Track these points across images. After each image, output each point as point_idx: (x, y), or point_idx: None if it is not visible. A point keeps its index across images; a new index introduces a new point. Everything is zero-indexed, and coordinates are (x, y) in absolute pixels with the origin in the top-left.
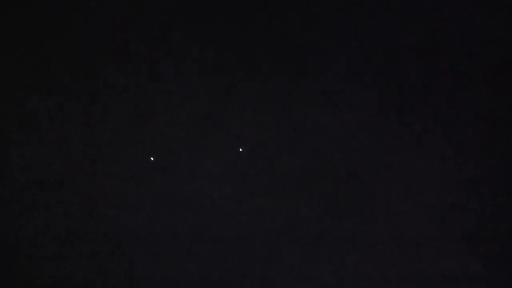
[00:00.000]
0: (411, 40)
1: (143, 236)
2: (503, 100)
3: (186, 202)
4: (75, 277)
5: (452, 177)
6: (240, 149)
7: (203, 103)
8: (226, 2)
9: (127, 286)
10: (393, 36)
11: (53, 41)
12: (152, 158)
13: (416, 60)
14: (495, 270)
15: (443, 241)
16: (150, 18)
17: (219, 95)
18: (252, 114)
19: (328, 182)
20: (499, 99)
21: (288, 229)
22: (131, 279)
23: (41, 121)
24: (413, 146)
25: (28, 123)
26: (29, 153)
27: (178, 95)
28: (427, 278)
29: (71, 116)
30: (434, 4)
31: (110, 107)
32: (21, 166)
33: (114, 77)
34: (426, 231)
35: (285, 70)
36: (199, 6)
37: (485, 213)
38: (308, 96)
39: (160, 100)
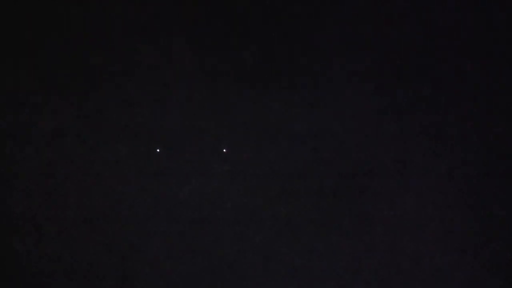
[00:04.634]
0: (411, 40)
1: (141, 235)
2: (503, 99)
3: (183, 201)
4: (75, 276)
5: (452, 177)
6: (224, 150)
7: (202, 102)
8: (224, 2)
9: (125, 285)
10: (393, 35)
11: (53, 41)
12: (158, 150)
13: (417, 60)
14: (495, 270)
15: (443, 241)
16: (148, 18)
17: (218, 93)
18: (251, 113)
19: (327, 182)
20: (500, 98)
21: (287, 229)
22: (129, 278)
23: (40, 119)
24: (413, 146)
25: (28, 121)
26: (29, 152)
27: (177, 94)
28: (426, 278)
29: (71, 115)
30: (435, 4)
31: (109, 106)
32: (20, 166)
33: (113, 76)
34: (425, 231)
35: (284, 69)
36: (196, 6)
37: (485, 213)
38: (307, 95)
39: (157, 99)
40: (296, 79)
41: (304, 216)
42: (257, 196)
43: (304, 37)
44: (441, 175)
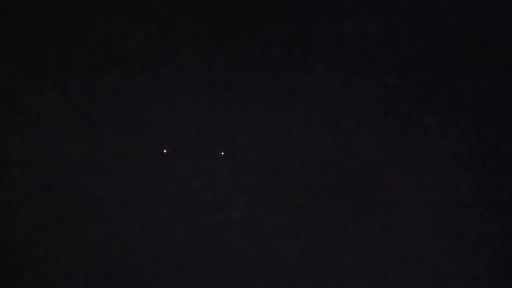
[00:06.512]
0: (412, 38)
1: (141, 234)
2: (503, 99)
3: (183, 201)
4: (75, 276)
5: (452, 176)
6: (222, 153)
7: (201, 102)
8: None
9: (124, 285)
10: (393, 34)
11: (53, 41)
12: (165, 151)
13: (417, 59)
14: (495, 270)
15: (443, 241)
16: (148, 18)
17: (217, 93)
18: (251, 112)
19: (327, 182)
20: (500, 98)
21: (287, 229)
22: (128, 278)
23: (40, 120)
24: (413, 146)
25: (28, 122)
26: (29, 152)
27: (177, 93)
28: (426, 278)
29: (71, 115)
30: (435, 2)
31: (109, 106)
32: (20, 166)
33: (113, 77)
34: (425, 231)
35: (284, 68)
36: (199, 5)
37: (485, 213)
38: (307, 95)
39: (157, 98)
40: (297, 79)
41: (304, 216)
42: (257, 197)
43: (305, 36)
44: (442, 175)
